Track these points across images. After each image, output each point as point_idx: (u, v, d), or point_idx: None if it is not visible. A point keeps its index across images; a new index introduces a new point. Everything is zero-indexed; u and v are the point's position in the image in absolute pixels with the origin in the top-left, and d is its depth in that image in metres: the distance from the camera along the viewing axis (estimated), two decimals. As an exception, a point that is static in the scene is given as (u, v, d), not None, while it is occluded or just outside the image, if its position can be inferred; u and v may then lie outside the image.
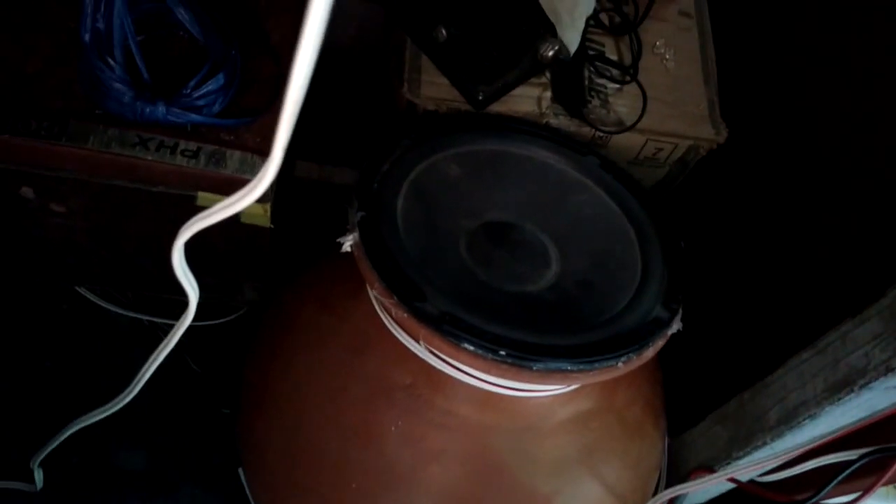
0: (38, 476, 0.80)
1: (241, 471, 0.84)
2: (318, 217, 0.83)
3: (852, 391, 0.58)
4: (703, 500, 0.82)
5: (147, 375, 0.53)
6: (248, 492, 0.79)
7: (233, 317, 1.03)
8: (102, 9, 0.61)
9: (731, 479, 0.73)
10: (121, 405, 0.59)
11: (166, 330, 1.01)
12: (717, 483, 0.73)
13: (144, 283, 0.89)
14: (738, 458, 0.73)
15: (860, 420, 0.59)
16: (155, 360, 0.50)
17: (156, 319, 1.03)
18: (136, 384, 0.55)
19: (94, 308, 1.01)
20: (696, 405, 0.81)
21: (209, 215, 0.35)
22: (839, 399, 0.60)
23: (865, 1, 0.73)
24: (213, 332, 1.01)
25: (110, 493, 0.91)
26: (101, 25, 0.62)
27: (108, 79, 0.62)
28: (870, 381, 0.56)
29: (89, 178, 0.66)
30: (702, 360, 0.82)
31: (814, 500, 0.64)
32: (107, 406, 0.59)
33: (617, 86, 0.82)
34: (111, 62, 0.61)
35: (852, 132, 0.71)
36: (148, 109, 0.63)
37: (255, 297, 0.97)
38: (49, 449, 0.71)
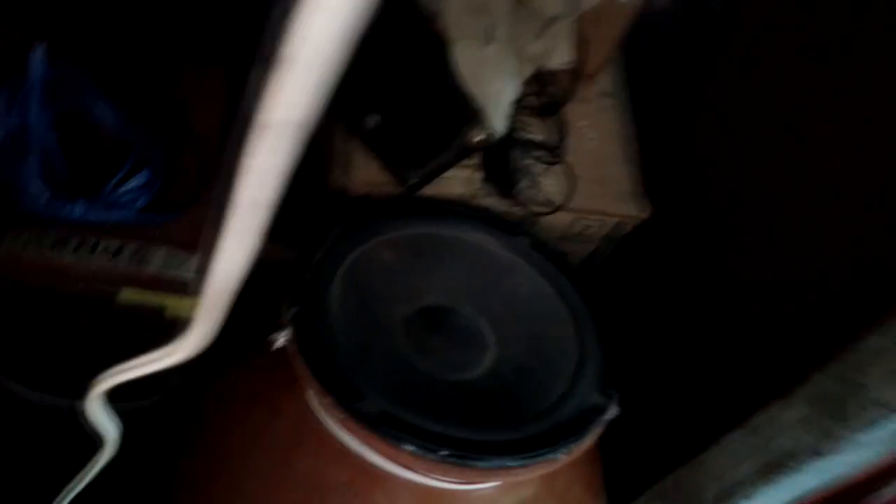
0: None
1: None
2: (246, 294, 0.80)
3: (783, 472, 0.60)
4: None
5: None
6: None
7: (154, 399, 0.98)
8: (17, 106, 0.58)
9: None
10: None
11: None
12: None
13: (65, 378, 0.84)
14: (679, 534, 0.73)
15: (793, 501, 0.61)
16: (71, 492, 0.47)
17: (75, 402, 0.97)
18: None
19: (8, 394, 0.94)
20: (633, 482, 0.82)
21: (127, 370, 0.33)
22: (771, 480, 0.61)
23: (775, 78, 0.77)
24: (135, 414, 0.96)
25: None
26: (16, 122, 0.59)
27: (23, 178, 0.59)
28: (800, 464, 0.58)
29: (2, 280, 0.63)
30: (637, 436, 0.83)
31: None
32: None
33: (544, 166, 0.84)
34: (27, 161, 0.59)
35: (773, 210, 0.74)
36: (66, 209, 0.60)
37: (178, 381, 0.93)
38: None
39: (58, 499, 0.47)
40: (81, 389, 0.90)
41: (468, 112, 0.76)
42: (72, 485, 0.46)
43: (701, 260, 0.84)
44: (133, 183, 0.61)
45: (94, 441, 0.53)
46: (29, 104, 0.57)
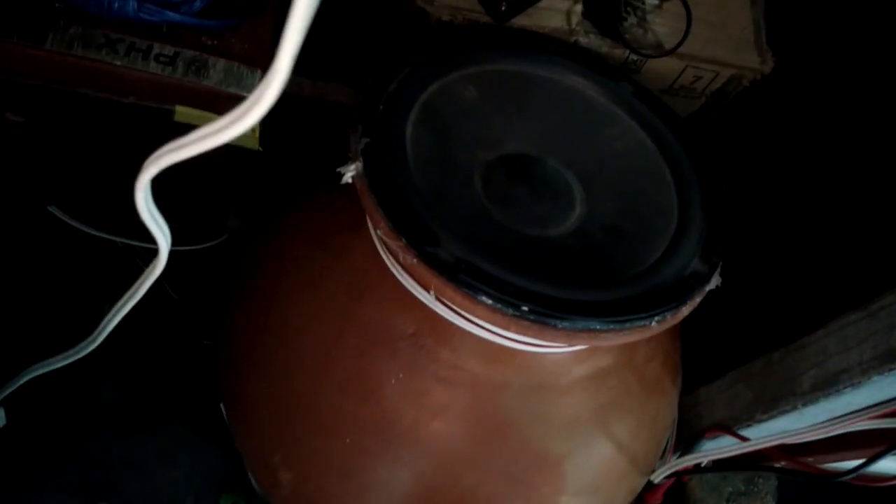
0: (1, 415, 0.74)
1: (223, 407, 0.78)
2: (310, 140, 0.74)
3: (906, 364, 0.53)
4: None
5: (114, 323, 0.45)
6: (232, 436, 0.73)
7: (215, 242, 0.95)
8: None
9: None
10: (87, 351, 0.52)
11: (142, 254, 0.94)
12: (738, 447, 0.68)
13: (117, 205, 0.80)
14: (762, 420, 0.68)
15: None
16: (119, 311, 0.42)
17: (131, 242, 0.95)
18: (102, 330, 0.47)
19: (67, 228, 0.93)
20: (716, 359, 0.76)
21: (183, 146, 0.27)
22: (889, 370, 0.54)
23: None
24: (193, 257, 0.93)
25: (82, 428, 0.85)
26: None
27: (67, -35, 0.52)
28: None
29: (48, 84, 0.57)
30: (726, 311, 0.76)
31: (853, 474, 0.59)
32: (69, 353, 0.52)
33: (656, 2, 0.72)
34: (70, -56, 0.51)
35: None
36: (117, 4, 0.53)
37: (239, 225, 0.89)
38: (7, 391, 0.64)
39: (115, 307, 0.43)
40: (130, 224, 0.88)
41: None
42: (125, 298, 0.42)
43: (826, 122, 0.74)
44: (190, -21, 0.54)
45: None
46: None
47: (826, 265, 0.69)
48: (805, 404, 0.63)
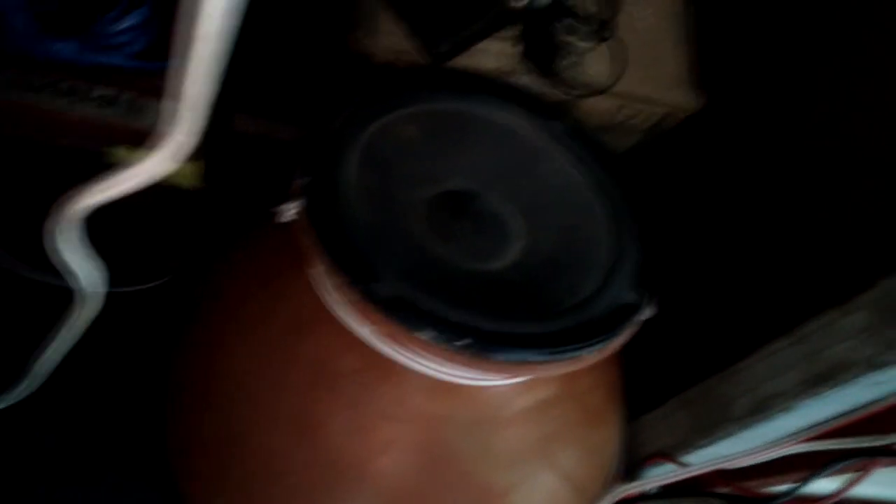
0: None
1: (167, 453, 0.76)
2: (253, 177, 0.74)
3: (834, 385, 0.55)
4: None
5: (46, 368, 0.45)
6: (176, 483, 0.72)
7: (157, 283, 0.94)
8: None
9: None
10: (20, 397, 0.51)
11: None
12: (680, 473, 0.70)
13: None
14: (701, 446, 0.69)
15: (839, 415, 0.56)
16: (52, 353, 0.42)
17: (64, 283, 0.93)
18: (33, 376, 0.47)
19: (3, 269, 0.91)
20: (657, 387, 0.78)
21: (98, 189, 0.27)
22: (818, 393, 0.56)
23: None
24: (135, 298, 0.92)
25: (20, 478, 0.82)
26: (-7, -58, 0.51)
27: (9, 10, 0.52)
28: (854, 376, 0.53)
29: (-15, 126, 0.57)
30: (665, 340, 0.78)
31: (788, 497, 0.61)
32: (3, 397, 0.51)
33: (590, 43, 0.75)
34: (7, -11, 0.51)
35: (846, 102, 0.66)
36: (56, 47, 0.53)
37: (180, 265, 0.88)
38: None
39: (42, 355, 0.43)
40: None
41: (510, -26, 0.67)
42: (48, 344, 0.41)
43: (755, 154, 0.77)
44: (129, 21, 0.54)
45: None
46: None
47: (757, 293, 0.71)
48: (740, 429, 0.64)
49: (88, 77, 0.55)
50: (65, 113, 0.55)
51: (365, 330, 0.55)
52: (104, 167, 0.59)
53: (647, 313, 0.59)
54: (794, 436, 0.61)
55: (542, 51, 0.73)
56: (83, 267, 0.34)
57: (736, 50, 0.85)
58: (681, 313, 0.77)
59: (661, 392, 0.76)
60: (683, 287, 0.78)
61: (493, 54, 0.73)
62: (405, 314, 0.51)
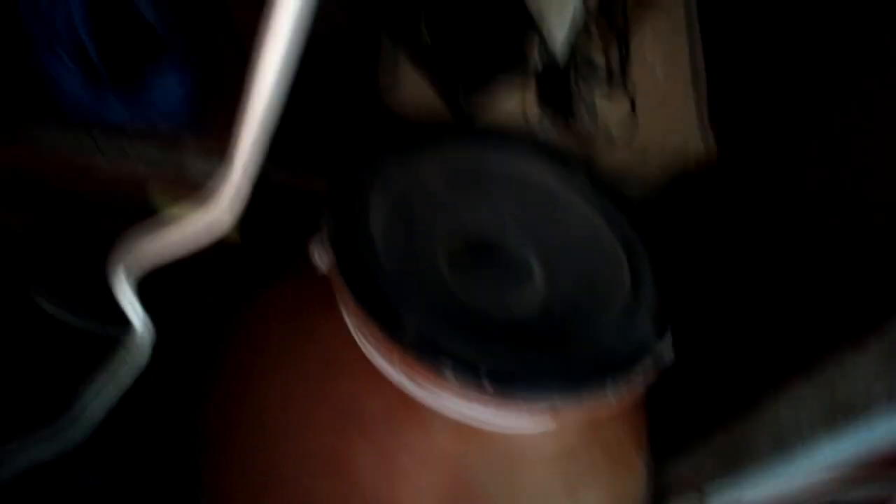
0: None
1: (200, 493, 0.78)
2: (285, 226, 0.78)
3: (850, 424, 0.55)
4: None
5: (95, 407, 0.47)
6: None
7: (192, 326, 0.97)
8: (53, -3, 0.56)
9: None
10: (69, 440, 0.53)
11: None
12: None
13: (101, 291, 0.83)
14: (726, 488, 0.69)
15: (861, 455, 0.56)
16: (94, 397, 0.45)
17: (111, 330, 0.96)
18: (80, 414, 0.49)
19: (49, 316, 0.94)
20: (680, 430, 0.78)
21: (158, 241, 0.30)
22: (839, 432, 0.57)
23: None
24: (171, 341, 0.95)
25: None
26: (51, 15, 0.56)
27: (58, 73, 0.56)
28: (875, 414, 0.53)
29: (37, 181, 0.61)
30: (687, 382, 0.79)
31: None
32: (53, 438, 0.54)
33: (605, 95, 0.79)
34: (62, 55, 0.56)
35: (861, 143, 0.68)
36: (102, 107, 0.57)
37: (214, 306, 0.91)
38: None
39: (88, 393, 0.45)
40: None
41: (527, 31, 0.71)
42: (101, 373, 0.44)
43: (769, 200, 0.79)
44: (169, 81, 0.58)
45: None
46: (67, -6, 0.55)
47: (775, 334, 0.72)
48: (764, 470, 0.65)
49: (135, 137, 0.59)
50: (113, 169, 0.59)
51: (392, 370, 0.57)
52: (149, 216, 0.63)
53: (665, 354, 0.61)
54: (817, 475, 0.61)
55: (560, 103, 0.76)
56: (139, 314, 0.37)
57: (749, 101, 0.87)
58: (701, 355, 0.78)
59: (685, 435, 0.76)
60: (702, 330, 0.79)
61: (513, 107, 0.76)
62: (428, 352, 0.53)
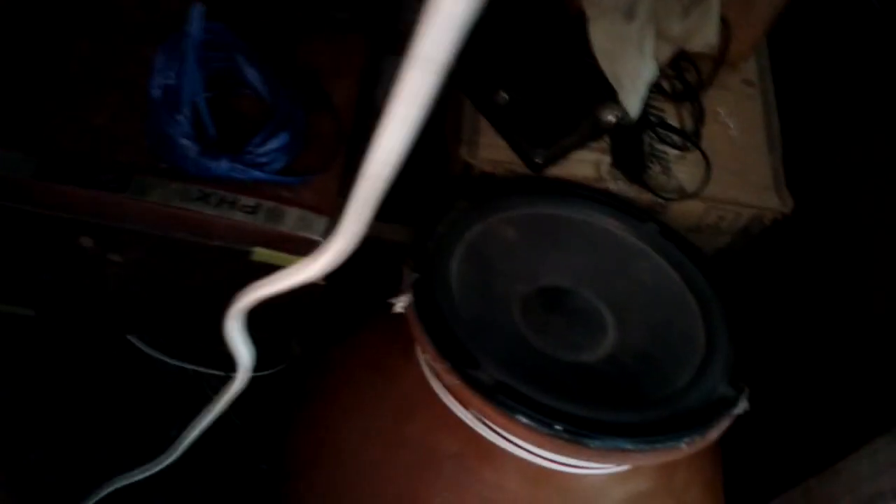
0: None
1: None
2: (366, 274, 0.82)
3: (937, 487, 0.54)
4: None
5: (189, 439, 0.52)
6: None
7: (275, 370, 1.02)
8: (174, 66, 0.62)
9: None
10: (161, 466, 0.58)
11: (211, 381, 1.01)
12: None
13: (197, 334, 0.89)
14: (805, 549, 0.68)
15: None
16: (199, 424, 0.49)
17: (201, 369, 1.02)
18: (177, 447, 0.54)
19: (142, 356, 1.02)
20: (758, 488, 0.77)
21: (269, 284, 0.34)
22: (921, 495, 0.55)
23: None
24: (254, 384, 1.00)
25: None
26: (171, 82, 0.63)
27: (174, 134, 0.63)
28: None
29: (149, 230, 0.67)
30: (764, 439, 0.78)
31: None
32: (146, 467, 0.58)
33: (678, 152, 0.80)
34: (179, 118, 0.62)
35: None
36: (212, 165, 0.63)
37: (299, 351, 0.96)
38: (91, 502, 0.70)
39: (193, 423, 0.50)
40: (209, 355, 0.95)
41: (601, 92, 0.74)
42: (207, 411, 0.48)
43: (847, 257, 0.78)
44: (273, 145, 0.64)
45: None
46: (185, 63, 0.61)
47: (855, 389, 0.71)
48: (845, 531, 0.63)
49: (236, 189, 0.65)
50: (215, 218, 0.64)
51: (467, 413, 0.59)
52: (246, 264, 0.68)
53: (741, 407, 0.61)
54: (902, 540, 0.60)
55: (631, 159, 0.78)
56: (244, 349, 0.41)
57: (821, 155, 0.88)
58: (777, 411, 0.76)
59: (761, 492, 0.75)
60: (778, 384, 0.78)
61: (586, 163, 0.79)
62: (504, 399, 0.55)
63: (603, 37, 0.72)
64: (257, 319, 0.81)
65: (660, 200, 0.78)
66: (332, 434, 0.70)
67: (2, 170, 0.63)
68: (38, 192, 0.64)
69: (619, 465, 0.60)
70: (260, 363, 0.98)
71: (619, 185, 0.78)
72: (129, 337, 1.01)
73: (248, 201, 0.65)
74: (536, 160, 0.76)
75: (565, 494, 0.63)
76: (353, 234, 0.29)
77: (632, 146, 0.79)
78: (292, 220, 0.65)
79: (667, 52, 0.77)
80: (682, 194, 0.78)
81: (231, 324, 0.39)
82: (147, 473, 0.63)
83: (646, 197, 0.79)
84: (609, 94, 0.74)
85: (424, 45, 0.24)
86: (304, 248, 0.66)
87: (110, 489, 0.69)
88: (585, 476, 0.63)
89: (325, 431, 0.71)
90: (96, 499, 0.72)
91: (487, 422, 0.58)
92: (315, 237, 0.65)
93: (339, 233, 0.30)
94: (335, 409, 0.71)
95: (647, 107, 0.79)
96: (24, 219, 0.67)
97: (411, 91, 0.25)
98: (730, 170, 0.80)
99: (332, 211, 0.67)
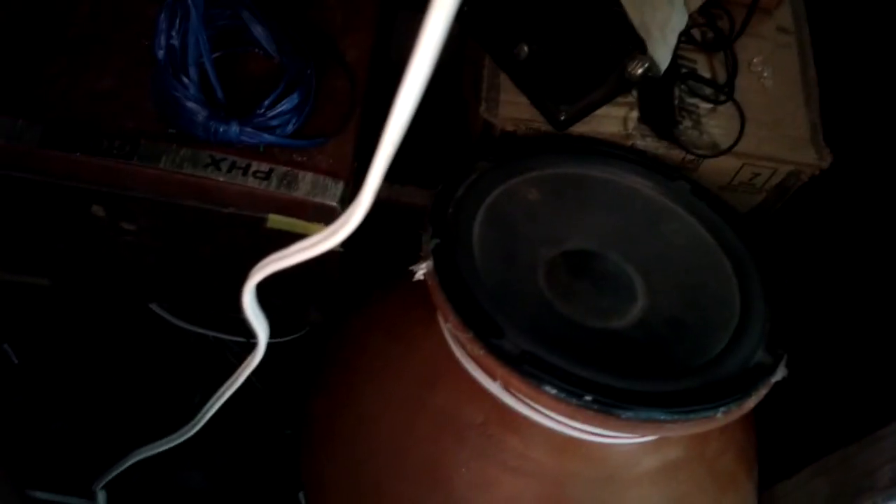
0: (102, 498, 0.79)
1: (301, 496, 0.81)
2: (384, 238, 0.80)
3: None
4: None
5: (213, 410, 0.50)
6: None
7: (297, 335, 1.01)
8: (177, 25, 0.59)
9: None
10: (186, 437, 0.57)
11: (232, 348, 1.01)
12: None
13: (213, 301, 0.87)
14: (843, 518, 0.66)
15: None
16: (221, 396, 0.47)
17: (222, 336, 1.02)
18: (201, 417, 0.52)
19: (163, 323, 1.01)
20: (793, 453, 0.74)
21: (285, 257, 0.32)
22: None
23: None
24: (275, 349, 0.99)
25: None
26: (175, 42, 0.60)
27: (181, 97, 0.60)
28: None
29: (160, 197, 0.65)
30: (800, 404, 0.75)
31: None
32: (171, 437, 0.58)
33: (710, 105, 0.76)
34: (185, 80, 0.60)
35: None
36: (221, 129, 0.61)
37: (319, 318, 0.94)
38: (112, 475, 0.70)
39: (214, 396, 0.48)
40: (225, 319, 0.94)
41: (629, 43, 0.70)
42: (227, 384, 0.47)
43: (890, 215, 0.74)
44: (284, 106, 0.61)
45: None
46: (189, 24, 0.58)
47: (898, 356, 0.68)
48: (885, 500, 0.61)
49: (247, 155, 0.62)
50: (227, 184, 0.62)
51: (491, 383, 0.57)
52: (261, 231, 0.66)
53: (779, 374, 0.58)
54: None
55: (660, 114, 0.74)
56: (261, 322, 0.40)
57: (861, 107, 0.83)
58: (815, 376, 0.74)
59: (797, 459, 0.73)
60: (816, 349, 0.75)
61: (613, 119, 0.75)
62: (530, 369, 0.53)
63: (630, -17, 0.68)
64: (275, 286, 0.80)
65: (690, 157, 0.74)
66: (353, 402, 0.69)
67: (6, 138, 0.61)
68: (44, 161, 0.62)
69: (651, 435, 0.58)
70: (280, 330, 0.99)
71: (647, 142, 0.75)
72: (149, 305, 1.00)
73: (261, 166, 0.62)
74: (560, 117, 0.73)
75: (594, 464, 0.61)
76: (372, 201, 0.27)
77: (661, 100, 0.75)
78: (307, 186, 0.62)
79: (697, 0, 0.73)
80: (715, 150, 0.74)
81: (247, 297, 0.37)
82: (172, 444, 0.62)
83: (676, 153, 0.75)
84: (637, 45, 0.70)
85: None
86: (321, 214, 0.64)
87: (136, 459, 0.69)
88: (615, 445, 0.61)
89: (345, 400, 0.70)
90: (121, 468, 0.72)
91: (514, 392, 0.56)
92: (331, 203, 0.63)
93: (361, 199, 0.27)
94: (355, 378, 0.70)
95: (676, 58, 0.75)
96: (32, 188, 0.65)
97: (432, 40, 0.23)
98: (765, 123, 0.76)
99: (348, 175, 0.64)
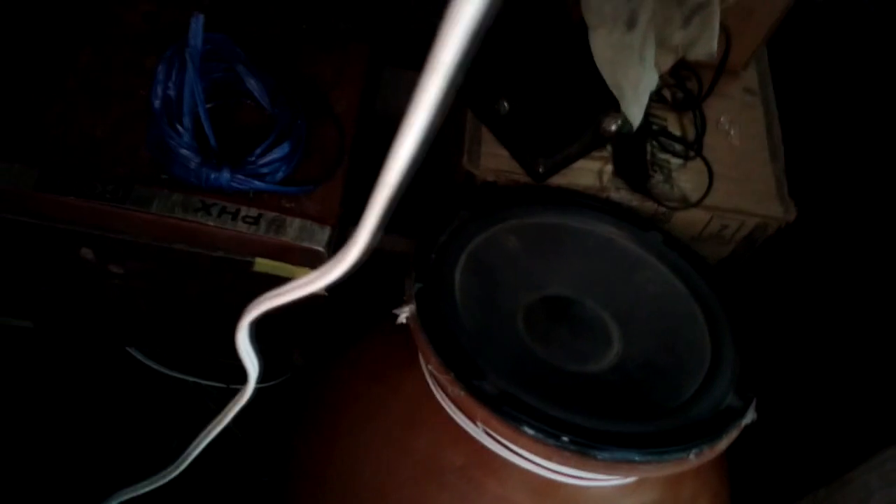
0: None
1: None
2: (366, 284, 0.81)
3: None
4: None
5: (198, 450, 0.51)
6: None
7: (278, 381, 1.01)
8: (174, 76, 0.62)
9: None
10: (170, 478, 0.57)
11: (211, 393, 1.01)
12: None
13: (198, 345, 0.88)
14: (814, 561, 0.67)
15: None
16: (207, 435, 0.48)
17: (201, 381, 1.02)
18: (183, 459, 0.53)
19: (142, 367, 1.01)
20: (765, 499, 0.76)
21: (278, 295, 0.34)
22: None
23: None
24: (256, 394, 0.99)
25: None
26: (171, 93, 0.63)
27: (175, 145, 0.62)
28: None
29: (151, 241, 0.66)
30: (771, 450, 0.77)
31: None
32: (154, 478, 0.58)
33: (680, 161, 0.80)
34: (180, 129, 0.62)
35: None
36: (213, 176, 0.63)
37: (302, 362, 0.95)
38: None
39: (199, 437, 0.49)
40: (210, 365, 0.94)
41: (603, 101, 0.74)
42: (212, 424, 0.47)
43: (853, 265, 0.78)
44: (274, 155, 0.64)
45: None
46: (185, 75, 0.61)
47: (863, 400, 0.70)
48: (855, 543, 0.62)
49: (237, 200, 0.64)
50: (217, 229, 0.64)
51: (472, 425, 0.58)
52: (247, 275, 0.68)
53: (749, 417, 0.60)
54: (914, 552, 0.59)
55: (633, 168, 0.78)
56: (252, 361, 0.41)
57: (824, 163, 0.87)
58: (784, 421, 0.76)
59: (767, 498, 0.74)
60: (785, 394, 0.78)
61: (589, 172, 0.78)
62: (509, 410, 0.54)
63: (604, 46, 0.72)
64: (260, 330, 0.81)
65: (662, 209, 0.78)
66: (335, 446, 0.69)
67: (2, 181, 0.63)
68: (38, 204, 0.64)
69: (626, 476, 0.59)
70: (262, 374, 0.99)
71: (621, 194, 0.78)
72: (128, 349, 1.00)
73: (250, 212, 0.64)
74: (539, 169, 0.76)
75: (572, 507, 0.62)
76: (368, 243, 0.29)
77: (634, 155, 0.78)
78: (294, 231, 0.64)
79: (668, 61, 0.77)
80: (685, 203, 0.78)
81: (241, 335, 0.38)
82: (153, 486, 0.62)
83: (648, 206, 0.78)
84: (611, 103, 0.74)
85: (445, 51, 0.24)
86: (307, 258, 0.66)
87: (118, 501, 0.68)
88: (592, 488, 0.62)
89: (327, 443, 0.70)
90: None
91: (493, 433, 0.57)
92: (317, 247, 0.65)
93: (355, 242, 0.29)
94: (338, 420, 0.70)
95: (648, 115, 0.79)
96: (24, 230, 0.66)
97: (431, 97, 0.25)
98: (732, 178, 0.80)
99: (335, 221, 0.66)
